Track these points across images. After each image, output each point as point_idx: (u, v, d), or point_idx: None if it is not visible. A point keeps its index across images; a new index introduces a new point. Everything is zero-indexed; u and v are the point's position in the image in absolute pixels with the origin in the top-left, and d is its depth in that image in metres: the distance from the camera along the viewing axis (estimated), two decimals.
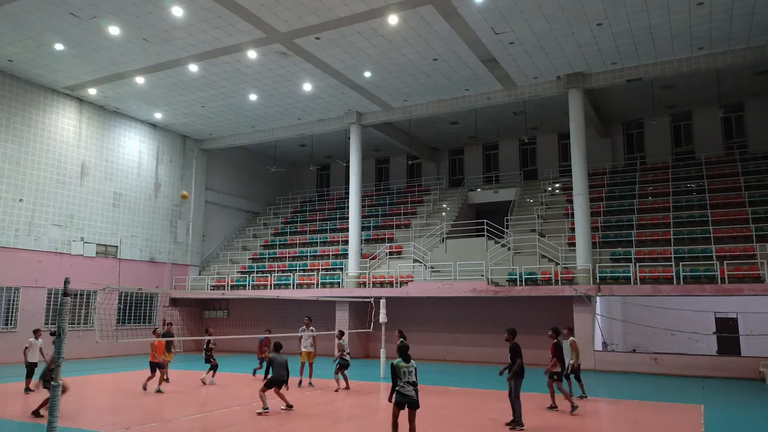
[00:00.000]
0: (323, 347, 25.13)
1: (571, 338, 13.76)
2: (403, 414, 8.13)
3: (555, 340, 12.17)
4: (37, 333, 14.49)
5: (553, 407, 11.99)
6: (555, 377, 11.94)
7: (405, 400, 8.09)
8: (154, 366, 14.38)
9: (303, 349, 15.67)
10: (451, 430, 10.23)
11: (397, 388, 8.12)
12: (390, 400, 8.25)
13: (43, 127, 23.54)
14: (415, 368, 8.27)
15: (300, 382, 15.34)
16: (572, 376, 13.33)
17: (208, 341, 16.22)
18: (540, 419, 11.00)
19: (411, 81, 22.94)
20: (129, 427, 10.20)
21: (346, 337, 16.26)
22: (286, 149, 33.25)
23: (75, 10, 17.50)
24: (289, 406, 11.79)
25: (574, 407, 11.58)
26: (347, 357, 14.93)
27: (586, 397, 13.47)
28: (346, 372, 14.94)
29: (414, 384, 8.15)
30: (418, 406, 8.18)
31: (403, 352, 8.33)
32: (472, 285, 21.85)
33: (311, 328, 15.81)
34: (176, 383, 16.09)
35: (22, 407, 12.29)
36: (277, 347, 12.30)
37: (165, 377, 15.89)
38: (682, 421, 11.20)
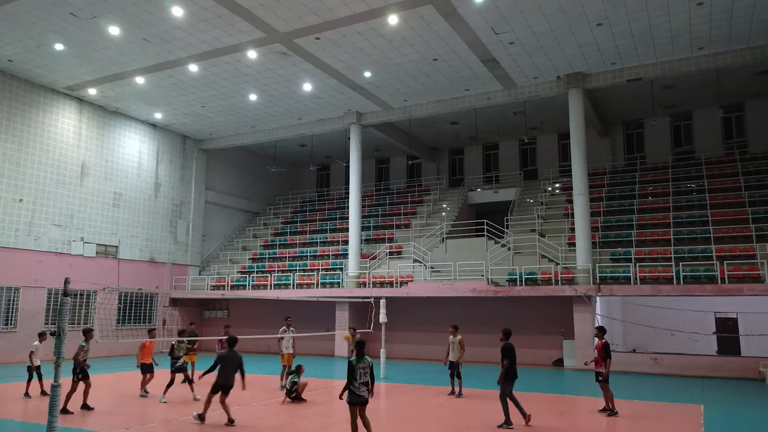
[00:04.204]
0: (323, 347, 25.22)
1: (459, 337, 14.35)
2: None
3: (604, 340, 11.81)
4: (42, 337, 14.09)
5: (608, 410, 11.64)
6: (600, 378, 11.68)
7: (357, 401, 8.40)
8: (145, 368, 13.70)
9: (285, 351, 15.29)
10: (451, 430, 10.22)
11: (351, 388, 8.38)
12: (341, 397, 8.60)
13: (43, 127, 23.54)
14: (371, 366, 8.54)
15: (283, 385, 15.20)
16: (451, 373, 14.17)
17: (172, 346, 14.08)
18: (544, 419, 10.98)
19: (411, 81, 22.93)
20: (129, 427, 10.21)
21: None
22: (286, 149, 33.24)
23: (75, 10, 17.50)
24: (230, 422, 10.25)
25: (611, 410, 11.53)
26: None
27: (461, 395, 13.94)
28: None
29: (367, 384, 8.43)
30: (366, 403, 8.51)
31: (360, 349, 8.58)
32: (472, 285, 21.84)
33: (292, 329, 15.53)
34: (176, 383, 16.07)
35: (22, 407, 12.30)
36: (232, 342, 10.74)
37: (190, 378, 15.86)
38: (682, 421, 11.19)
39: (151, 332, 15.57)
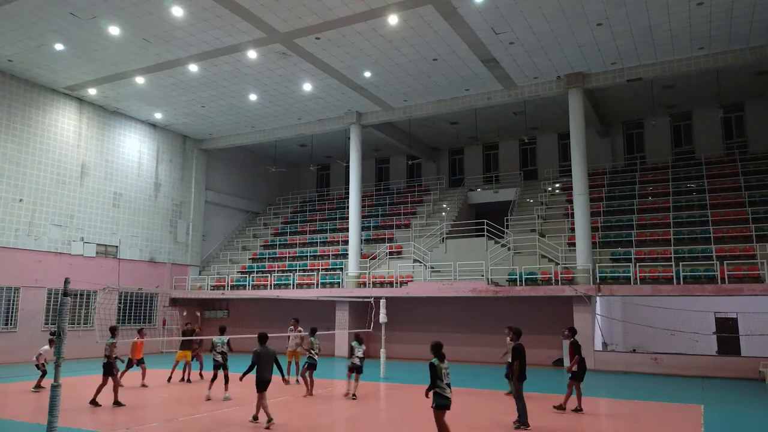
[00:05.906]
0: (324, 347, 25.17)
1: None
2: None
3: (572, 340, 11.95)
4: (52, 342, 14.47)
5: (562, 407, 11.83)
6: (570, 377, 11.77)
7: (446, 403, 7.99)
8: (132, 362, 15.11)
9: (289, 349, 16.40)
10: (451, 430, 10.21)
11: (437, 390, 7.96)
12: (427, 395, 8.10)
13: (43, 127, 23.54)
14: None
15: (288, 381, 15.36)
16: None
17: (212, 343, 14.34)
18: (544, 419, 10.99)
19: (411, 81, 22.93)
20: (129, 427, 10.21)
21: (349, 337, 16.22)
22: (286, 149, 33.25)
23: (75, 10, 17.50)
24: (269, 420, 10.05)
25: (577, 408, 11.54)
26: (315, 357, 14.08)
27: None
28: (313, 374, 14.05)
29: (450, 385, 8.09)
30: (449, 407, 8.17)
31: (438, 350, 8.16)
32: (472, 285, 21.85)
33: (299, 328, 16.20)
34: (176, 383, 16.10)
35: (22, 407, 12.31)
36: (263, 339, 10.62)
37: (188, 377, 16.29)
38: (682, 421, 11.20)
39: (140, 332, 16.38)
